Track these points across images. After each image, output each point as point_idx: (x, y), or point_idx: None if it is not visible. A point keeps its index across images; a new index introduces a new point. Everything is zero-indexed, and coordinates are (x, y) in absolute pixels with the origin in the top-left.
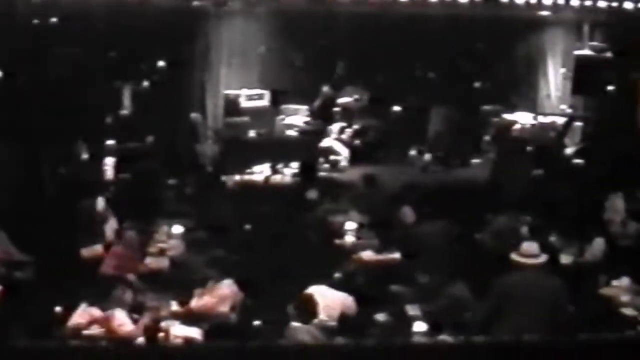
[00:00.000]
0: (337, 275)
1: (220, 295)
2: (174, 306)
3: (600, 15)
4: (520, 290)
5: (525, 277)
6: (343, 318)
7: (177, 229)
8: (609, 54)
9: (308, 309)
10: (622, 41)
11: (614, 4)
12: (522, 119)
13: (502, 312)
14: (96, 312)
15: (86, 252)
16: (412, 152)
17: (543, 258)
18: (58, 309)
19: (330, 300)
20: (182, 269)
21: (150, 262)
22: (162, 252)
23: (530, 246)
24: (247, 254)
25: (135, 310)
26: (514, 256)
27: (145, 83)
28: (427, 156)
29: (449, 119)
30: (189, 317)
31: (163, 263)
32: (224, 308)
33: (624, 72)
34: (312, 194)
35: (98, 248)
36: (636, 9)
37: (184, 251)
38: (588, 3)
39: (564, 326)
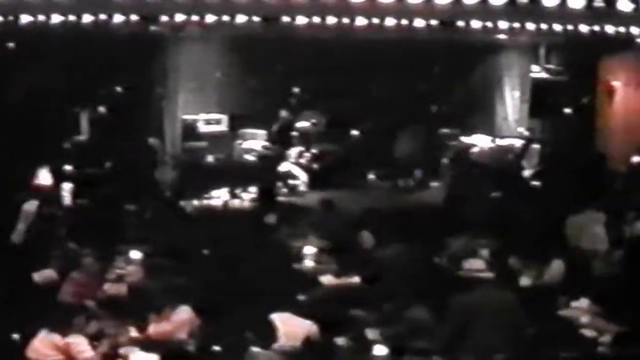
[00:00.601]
0: (297, 299)
1: (178, 321)
2: (133, 332)
3: (556, 38)
4: (477, 309)
5: (481, 296)
6: (305, 343)
7: (136, 254)
8: (564, 77)
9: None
10: (578, 64)
11: (570, 27)
12: (480, 141)
13: (461, 333)
14: (56, 338)
15: (38, 277)
16: (371, 176)
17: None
18: (16, 336)
19: (292, 327)
20: (140, 295)
21: (109, 288)
22: (120, 278)
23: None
24: (205, 279)
25: (94, 336)
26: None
27: (102, 109)
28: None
29: (407, 142)
30: (147, 344)
31: (122, 289)
32: (182, 334)
33: (579, 94)
34: (270, 219)
35: (51, 272)
36: (592, 32)
37: (142, 277)
38: (544, 26)
39: (523, 344)
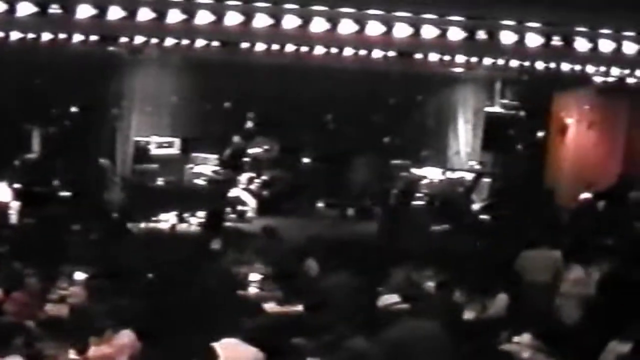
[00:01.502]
0: (241, 325)
1: (119, 345)
2: (72, 355)
3: (511, 73)
4: (411, 341)
5: (413, 326)
6: None
7: (80, 275)
8: (519, 112)
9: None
10: (532, 100)
11: (526, 63)
12: (431, 174)
13: None
14: None
15: None
16: (320, 204)
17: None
18: None
19: (235, 353)
20: (82, 317)
21: (51, 308)
22: (62, 299)
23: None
24: (149, 303)
25: (33, 357)
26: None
27: (54, 127)
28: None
29: (358, 171)
30: None
31: (63, 310)
32: (123, 358)
33: (533, 130)
34: (217, 244)
35: None
36: (547, 69)
37: (85, 298)
38: (501, 61)
39: None
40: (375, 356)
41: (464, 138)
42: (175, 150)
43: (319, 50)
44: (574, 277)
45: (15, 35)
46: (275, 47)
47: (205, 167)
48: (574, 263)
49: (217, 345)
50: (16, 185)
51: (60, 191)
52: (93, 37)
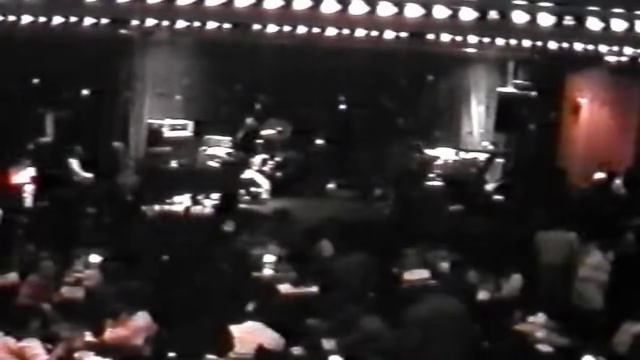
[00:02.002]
0: (254, 307)
1: (135, 327)
2: (89, 337)
3: (524, 53)
4: (430, 320)
5: (434, 307)
6: (260, 351)
7: (95, 258)
8: (532, 92)
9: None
10: (545, 80)
11: (539, 43)
12: (444, 154)
13: (415, 344)
14: (11, 341)
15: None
16: (332, 186)
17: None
18: None
19: (256, 337)
20: (98, 299)
21: (66, 291)
22: (78, 282)
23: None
24: (163, 285)
25: (49, 340)
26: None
27: (68, 111)
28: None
29: (371, 152)
30: (103, 349)
31: (79, 293)
32: (138, 340)
33: (545, 110)
34: (230, 226)
35: (13, 275)
36: (560, 49)
37: (100, 281)
38: (513, 42)
39: (478, 357)
40: (389, 336)
41: (477, 118)
42: (188, 133)
43: (331, 31)
44: (593, 262)
45: (26, 19)
46: (286, 28)
47: (218, 149)
48: (593, 248)
49: (237, 328)
50: (31, 169)
51: (77, 175)
52: (104, 20)
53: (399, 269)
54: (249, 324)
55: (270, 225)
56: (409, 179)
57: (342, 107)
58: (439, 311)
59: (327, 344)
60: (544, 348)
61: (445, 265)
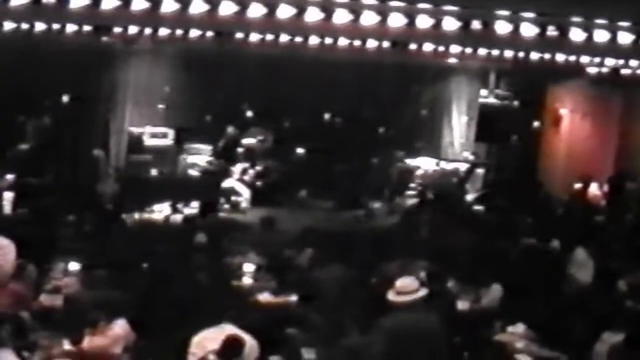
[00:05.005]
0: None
1: (113, 335)
2: (67, 345)
3: (506, 64)
4: (406, 331)
5: (407, 317)
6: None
7: (74, 266)
8: (513, 103)
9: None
10: (526, 90)
11: (521, 54)
12: (425, 164)
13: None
14: None
15: None
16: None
17: (423, 292)
18: None
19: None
20: (76, 307)
21: (45, 299)
22: (57, 290)
23: (404, 282)
24: (143, 294)
25: (27, 348)
26: (390, 296)
27: (48, 118)
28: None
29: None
30: (81, 358)
31: (57, 301)
32: (117, 349)
33: (527, 120)
34: (201, 238)
35: None
36: (541, 60)
37: (79, 289)
38: (495, 52)
39: None
40: (369, 347)
41: (458, 129)
42: (169, 141)
43: (314, 40)
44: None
45: (8, 25)
46: (269, 37)
47: (199, 157)
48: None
49: (211, 330)
50: (9, 176)
51: (54, 182)
52: (86, 28)
53: (380, 279)
54: (222, 326)
55: (250, 234)
56: (390, 188)
57: (324, 116)
58: (410, 323)
59: (307, 353)
60: (523, 358)
61: (423, 276)
